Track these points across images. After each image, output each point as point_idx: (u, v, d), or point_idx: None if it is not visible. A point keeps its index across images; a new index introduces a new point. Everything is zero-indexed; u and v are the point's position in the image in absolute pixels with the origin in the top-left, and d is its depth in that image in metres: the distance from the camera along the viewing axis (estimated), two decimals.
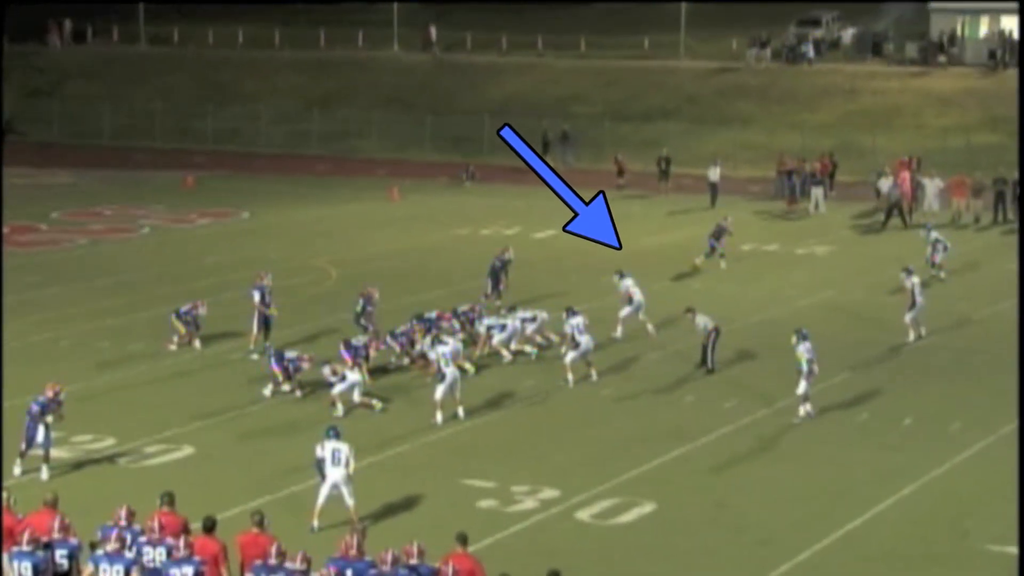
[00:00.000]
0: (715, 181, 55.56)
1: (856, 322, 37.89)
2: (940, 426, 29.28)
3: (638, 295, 36.05)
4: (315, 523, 23.42)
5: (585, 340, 32.12)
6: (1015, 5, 69.79)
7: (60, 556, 18.64)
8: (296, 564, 18.13)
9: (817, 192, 54.89)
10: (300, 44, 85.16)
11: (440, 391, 29.23)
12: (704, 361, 33.12)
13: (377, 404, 30.13)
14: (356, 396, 30.14)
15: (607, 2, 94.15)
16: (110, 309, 39.12)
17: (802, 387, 29.37)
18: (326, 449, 23.60)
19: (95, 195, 58.91)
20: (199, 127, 74.30)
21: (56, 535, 18.74)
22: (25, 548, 18.36)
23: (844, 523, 24.08)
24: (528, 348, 34.13)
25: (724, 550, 23.19)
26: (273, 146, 71.95)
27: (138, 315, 38.20)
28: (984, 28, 74.64)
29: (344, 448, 23.54)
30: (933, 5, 75.38)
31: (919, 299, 35.66)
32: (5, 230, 48.96)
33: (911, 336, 35.67)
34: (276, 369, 30.90)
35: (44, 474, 25.80)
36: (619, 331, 35.84)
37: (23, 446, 25.98)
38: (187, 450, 27.70)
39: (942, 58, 73.68)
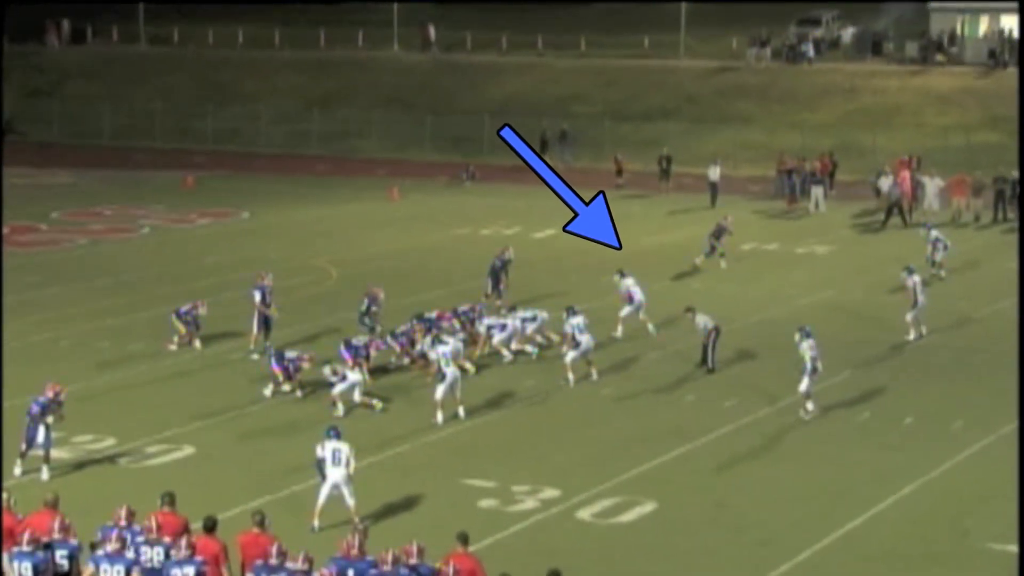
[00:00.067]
0: (715, 181, 55.55)
1: (856, 321, 37.88)
2: (941, 425, 29.27)
3: (638, 295, 36.04)
4: (316, 523, 23.41)
5: (585, 340, 32.11)
6: (1015, 4, 69.75)
7: (60, 556, 18.61)
8: (298, 564, 18.13)
9: (817, 191, 54.89)
10: (300, 44, 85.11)
11: (440, 391, 29.23)
12: (704, 361, 33.12)
13: (377, 404, 30.12)
14: (356, 396, 30.13)
15: (607, 2, 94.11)
16: (110, 309, 39.11)
17: (804, 384, 29.37)
18: (326, 449, 23.59)
19: (95, 195, 58.90)
20: (199, 127, 74.28)
21: (56, 535, 18.71)
22: (25, 548, 18.34)
23: (844, 523, 24.06)
24: (529, 347, 34.13)
25: (724, 550, 23.18)
26: (273, 146, 71.93)
27: (138, 315, 38.20)
28: (984, 27, 74.61)
29: (344, 448, 23.54)
30: (933, 4, 75.39)
31: (921, 298, 35.67)
32: (5, 230, 48.95)
33: (912, 335, 35.67)
34: (276, 369, 30.89)
35: (44, 474, 25.79)
36: (619, 331, 35.84)
37: (23, 446, 25.96)
38: (187, 450, 27.69)
39: (942, 57, 73.69)
